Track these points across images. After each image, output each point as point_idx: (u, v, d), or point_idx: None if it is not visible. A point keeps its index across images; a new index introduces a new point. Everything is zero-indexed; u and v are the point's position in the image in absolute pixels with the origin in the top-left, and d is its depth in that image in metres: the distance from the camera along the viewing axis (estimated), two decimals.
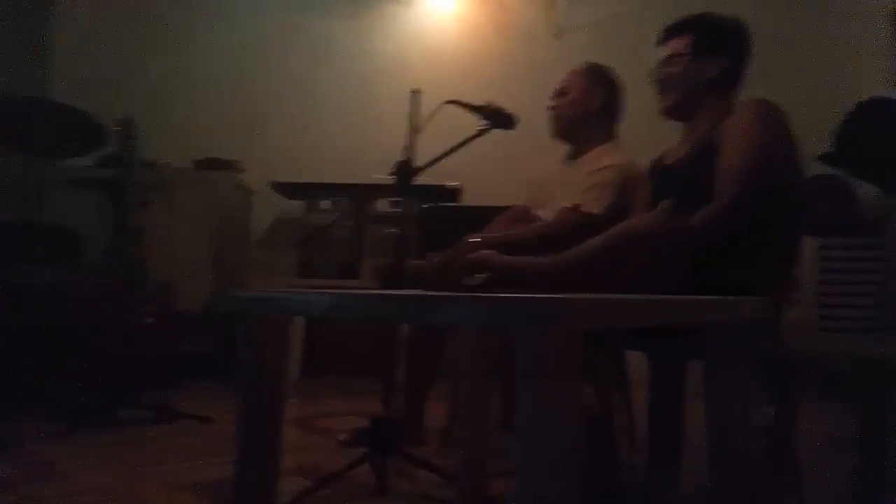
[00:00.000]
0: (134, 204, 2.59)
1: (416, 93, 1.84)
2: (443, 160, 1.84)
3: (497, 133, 1.87)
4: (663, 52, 1.73)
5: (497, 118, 1.79)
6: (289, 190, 3.60)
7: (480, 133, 1.80)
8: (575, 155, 2.10)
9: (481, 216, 2.25)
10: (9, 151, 2.56)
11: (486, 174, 3.46)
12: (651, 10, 3.20)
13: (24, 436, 2.09)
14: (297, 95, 4.09)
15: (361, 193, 3.23)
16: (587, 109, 2.07)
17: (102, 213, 2.65)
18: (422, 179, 1.96)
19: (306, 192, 3.57)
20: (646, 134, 2.00)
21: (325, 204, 3.60)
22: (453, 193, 3.41)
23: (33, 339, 2.46)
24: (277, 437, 1.01)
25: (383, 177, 1.92)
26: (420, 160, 1.84)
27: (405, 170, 1.77)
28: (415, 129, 1.82)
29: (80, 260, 3.02)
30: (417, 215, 3.34)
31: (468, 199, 3.43)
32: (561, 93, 2.11)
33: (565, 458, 0.63)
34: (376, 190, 2.35)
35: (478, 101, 1.90)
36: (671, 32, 1.73)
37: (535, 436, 0.63)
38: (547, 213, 2.04)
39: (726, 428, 1.02)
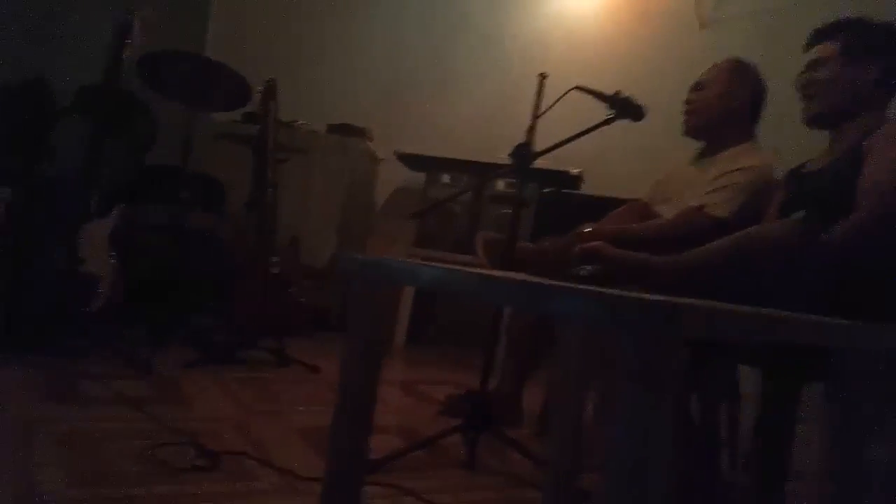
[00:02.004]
0: (272, 160, 2.77)
1: (542, 76, 1.83)
2: (570, 146, 1.81)
3: (633, 124, 1.81)
4: (810, 56, 1.63)
5: (624, 108, 1.73)
6: (412, 161, 3.70)
7: (605, 122, 1.75)
8: (708, 153, 1.99)
9: (601, 206, 2.21)
10: (173, 101, 2.80)
11: (616, 164, 3.39)
12: (809, 4, 2.97)
13: (159, 362, 2.32)
14: (431, 70, 4.16)
15: (481, 171, 3.26)
16: (726, 108, 1.94)
17: (244, 165, 2.86)
18: (545, 164, 1.94)
19: (428, 164, 3.66)
20: (792, 137, 1.88)
21: (445, 178, 3.67)
22: (574, 180, 3.37)
23: (179, 274, 2.71)
24: (373, 393, 1.07)
25: (503, 157, 1.93)
26: (546, 144, 1.83)
27: (523, 152, 1.77)
28: (538, 113, 1.81)
29: (223, 208, 3.28)
30: (535, 199, 3.34)
31: (593, 188, 3.37)
32: (699, 87, 1.99)
33: (655, 466, 0.63)
34: (495, 169, 2.37)
35: (607, 90, 1.85)
36: (818, 36, 1.62)
37: (627, 439, 0.63)
38: (669, 211, 1.97)
39: (843, 461, 0.96)
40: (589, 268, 1.42)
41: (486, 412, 1.78)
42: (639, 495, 0.61)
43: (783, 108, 1.84)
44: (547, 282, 0.81)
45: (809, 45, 1.64)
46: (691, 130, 2.02)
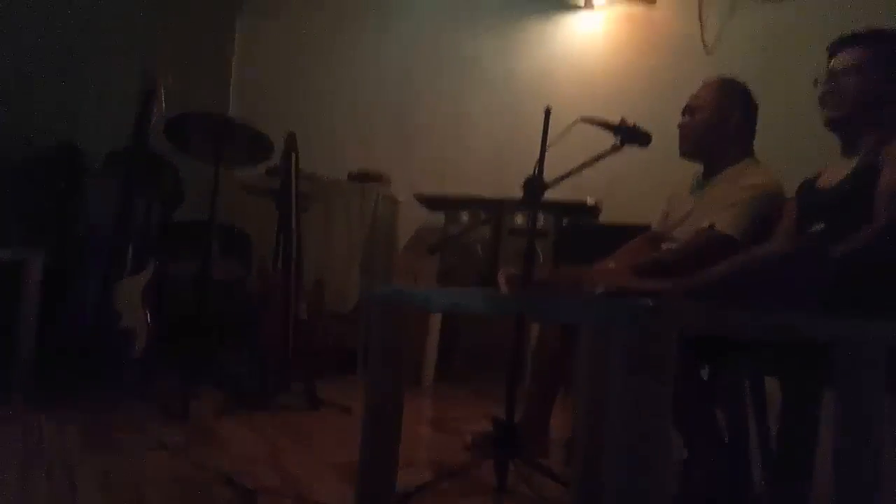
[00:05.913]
0: (295, 210, 2.88)
1: (548, 110, 1.89)
2: (585, 176, 1.86)
3: (646, 150, 1.85)
4: (837, 62, 1.63)
5: (629, 135, 1.79)
6: (430, 202, 3.80)
7: (613, 150, 1.81)
8: (710, 173, 2.02)
9: (618, 234, 2.25)
10: (202, 159, 2.93)
11: (631, 191, 3.43)
12: (808, 19, 3.02)
13: (194, 408, 2.39)
14: (445, 113, 4.28)
15: (496, 207, 3.34)
16: (718, 130, 1.97)
17: (268, 217, 2.97)
18: (561, 195, 1.97)
19: (446, 204, 3.75)
20: (794, 151, 1.91)
21: (464, 216, 3.75)
22: (592, 210, 3.42)
23: (210, 323, 2.79)
24: (399, 417, 1.12)
25: (518, 192, 1.99)
26: (557, 176, 1.88)
27: (533, 185, 1.83)
28: (545, 146, 1.88)
29: (249, 257, 3.39)
30: (553, 230, 3.40)
31: (610, 216, 3.41)
32: (690, 110, 2.02)
33: (652, 457, 0.67)
34: (510, 204, 2.43)
35: (614, 119, 1.90)
36: (850, 42, 1.63)
37: (624, 431, 0.67)
38: (682, 235, 2.00)
39: (849, 455, 0.98)
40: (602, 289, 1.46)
41: (514, 440, 1.80)
42: (639, 484, 0.65)
43: (784, 123, 1.87)
44: (544, 295, 0.87)
45: (836, 51, 1.64)
46: (685, 154, 2.05)
